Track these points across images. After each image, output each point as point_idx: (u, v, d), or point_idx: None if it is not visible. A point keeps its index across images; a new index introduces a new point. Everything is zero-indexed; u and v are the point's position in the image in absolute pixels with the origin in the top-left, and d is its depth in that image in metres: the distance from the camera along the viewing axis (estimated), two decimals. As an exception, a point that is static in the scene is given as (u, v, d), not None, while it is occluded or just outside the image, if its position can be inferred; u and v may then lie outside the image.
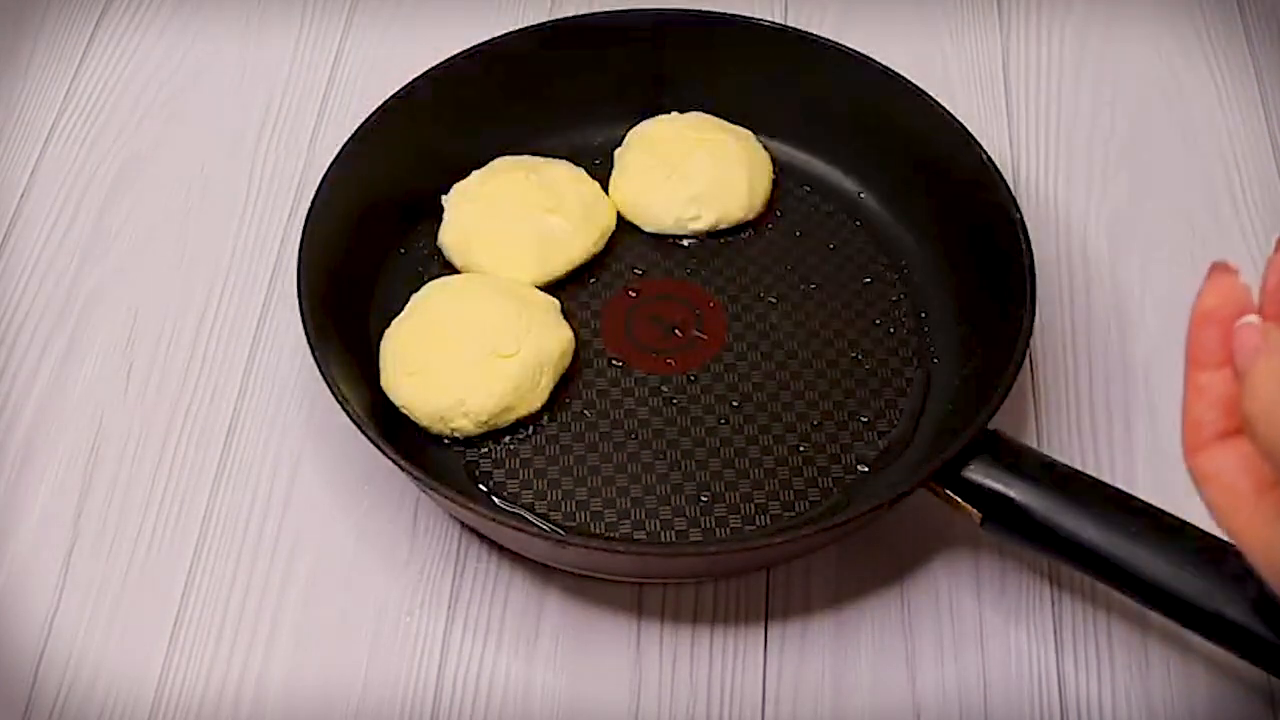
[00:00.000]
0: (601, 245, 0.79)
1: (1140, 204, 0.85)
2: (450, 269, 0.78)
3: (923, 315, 0.77)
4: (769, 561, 0.71)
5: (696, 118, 0.83)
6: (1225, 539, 0.62)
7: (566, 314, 0.76)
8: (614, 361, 0.75)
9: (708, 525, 0.70)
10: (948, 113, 0.78)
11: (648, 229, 0.80)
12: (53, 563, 0.72)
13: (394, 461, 0.65)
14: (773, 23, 0.83)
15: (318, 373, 0.68)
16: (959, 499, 0.65)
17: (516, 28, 0.84)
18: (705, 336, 0.76)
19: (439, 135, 0.80)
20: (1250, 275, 0.82)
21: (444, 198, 0.79)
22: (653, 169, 0.80)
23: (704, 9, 0.83)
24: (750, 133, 0.82)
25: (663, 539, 0.69)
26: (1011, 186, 0.75)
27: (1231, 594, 0.59)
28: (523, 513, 0.70)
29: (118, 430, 0.76)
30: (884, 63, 0.80)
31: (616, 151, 0.82)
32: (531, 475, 0.71)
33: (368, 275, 0.77)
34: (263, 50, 0.93)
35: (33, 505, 0.73)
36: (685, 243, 0.80)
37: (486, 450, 0.72)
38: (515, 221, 0.77)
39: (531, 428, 0.73)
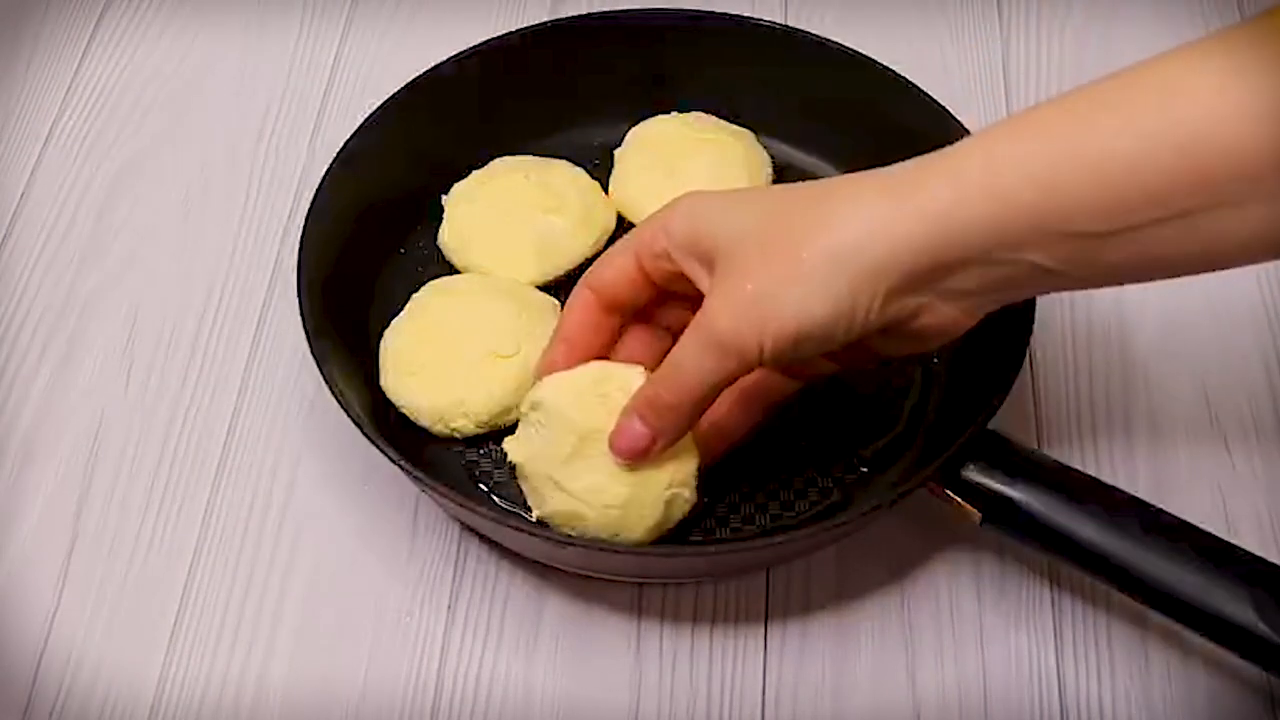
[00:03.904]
0: (601, 245, 0.79)
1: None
2: (450, 269, 0.78)
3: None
4: (769, 561, 0.71)
5: (696, 118, 0.83)
6: (1226, 539, 0.62)
7: (566, 314, 0.76)
8: (614, 361, 0.75)
9: (708, 525, 0.70)
10: (948, 113, 0.78)
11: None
12: (53, 563, 0.72)
13: (394, 461, 0.65)
14: (773, 23, 0.83)
15: (318, 373, 0.68)
16: (959, 499, 0.65)
17: (516, 28, 0.84)
18: (705, 336, 0.76)
19: (439, 135, 0.80)
20: (1251, 276, 0.82)
21: (444, 198, 0.79)
22: (653, 169, 0.80)
23: (704, 9, 0.83)
24: (750, 133, 0.82)
25: (662, 538, 0.69)
26: (1011, 186, 0.75)
27: (1231, 594, 0.59)
28: (523, 513, 0.70)
29: (118, 430, 0.76)
30: (884, 63, 0.80)
31: (616, 151, 0.82)
32: (531, 475, 0.71)
33: (368, 275, 0.77)
34: (263, 50, 0.93)
35: (33, 505, 0.73)
36: (685, 243, 0.80)
37: (486, 450, 0.72)
38: (515, 222, 0.77)
39: (531, 428, 0.73)
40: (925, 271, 0.55)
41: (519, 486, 0.68)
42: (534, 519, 0.66)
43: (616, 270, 0.63)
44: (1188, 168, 0.50)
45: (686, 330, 0.59)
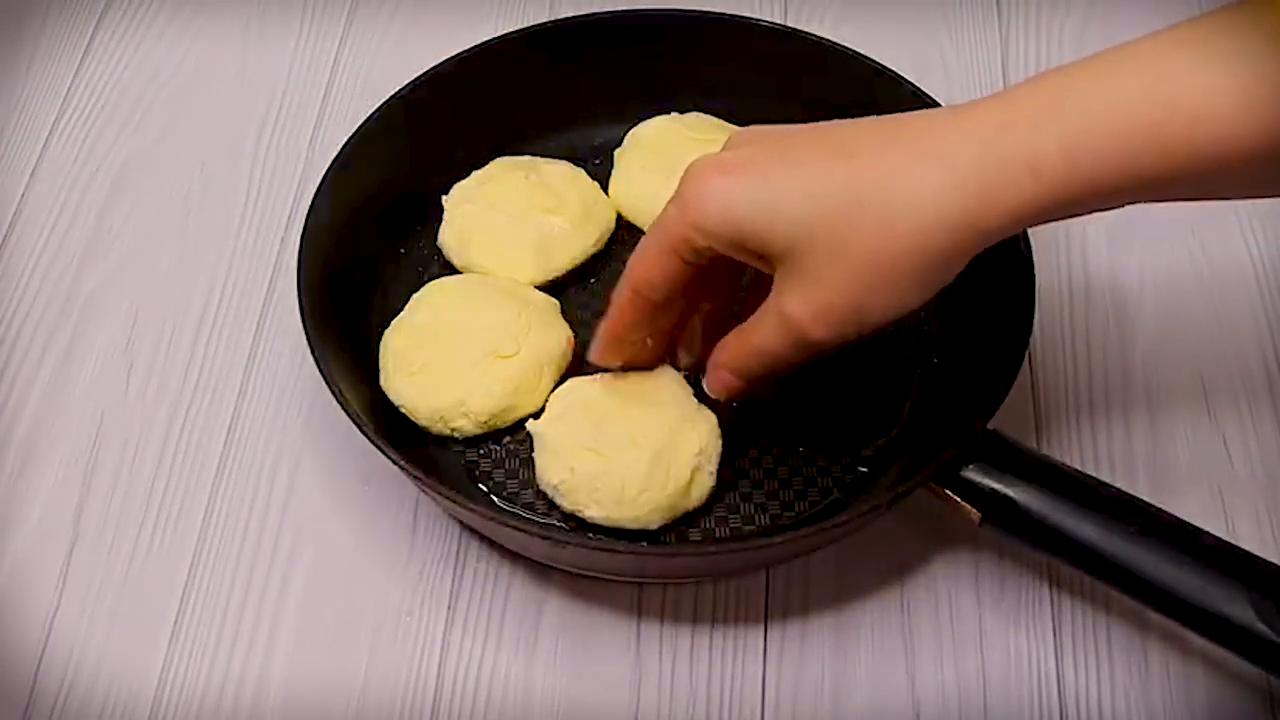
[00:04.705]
0: (601, 245, 0.79)
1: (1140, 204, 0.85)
2: (450, 269, 0.78)
3: (922, 315, 0.77)
4: (769, 561, 0.71)
5: (696, 118, 0.83)
6: (1226, 539, 0.62)
7: (566, 314, 0.76)
8: (614, 361, 0.75)
9: (708, 525, 0.70)
10: (947, 113, 0.78)
11: (647, 229, 0.80)
12: (53, 563, 0.72)
13: (394, 461, 0.65)
14: (773, 23, 0.83)
15: (318, 373, 0.68)
16: (959, 499, 0.65)
17: (516, 28, 0.84)
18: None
19: (439, 135, 0.80)
20: (1250, 277, 0.82)
21: (444, 198, 0.79)
22: (652, 169, 0.80)
23: (704, 9, 0.83)
24: (750, 133, 0.82)
25: (662, 539, 0.69)
26: (1011, 186, 0.75)
27: (1231, 594, 0.60)
28: (523, 513, 0.70)
29: (118, 430, 0.76)
30: (883, 63, 0.80)
31: (616, 151, 0.82)
32: (531, 475, 0.71)
33: (368, 275, 0.77)
34: (263, 50, 0.93)
35: (33, 505, 0.74)
36: (685, 243, 0.80)
37: (486, 450, 0.72)
38: (515, 221, 0.77)
39: (531, 428, 0.73)
40: (999, 240, 0.57)
41: (525, 475, 0.68)
42: (553, 484, 0.68)
43: (663, 273, 0.63)
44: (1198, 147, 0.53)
45: (767, 320, 0.61)
